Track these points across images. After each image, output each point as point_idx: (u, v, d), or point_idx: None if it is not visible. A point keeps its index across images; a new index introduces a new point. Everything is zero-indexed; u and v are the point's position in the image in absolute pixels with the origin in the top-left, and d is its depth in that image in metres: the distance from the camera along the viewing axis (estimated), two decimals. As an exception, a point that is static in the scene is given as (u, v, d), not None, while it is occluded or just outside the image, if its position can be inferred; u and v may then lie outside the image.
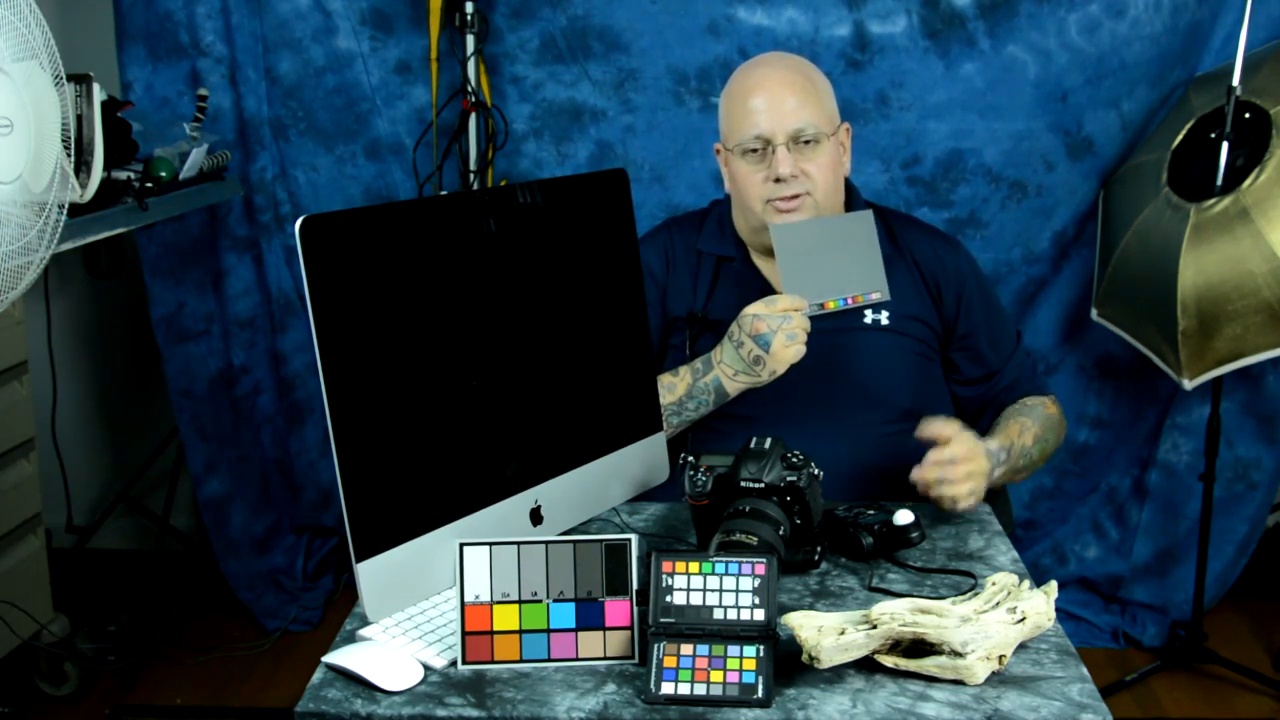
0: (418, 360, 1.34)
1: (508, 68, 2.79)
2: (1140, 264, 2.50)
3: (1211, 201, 2.35)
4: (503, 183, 2.79)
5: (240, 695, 2.67)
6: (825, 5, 2.68)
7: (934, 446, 1.60)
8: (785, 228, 1.76)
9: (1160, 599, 2.84)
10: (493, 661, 1.26)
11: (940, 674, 1.22)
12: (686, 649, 1.23)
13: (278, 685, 2.70)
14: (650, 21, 2.72)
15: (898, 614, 1.22)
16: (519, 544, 1.28)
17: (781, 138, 1.78)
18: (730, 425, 1.82)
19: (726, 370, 1.75)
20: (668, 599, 1.25)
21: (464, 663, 1.26)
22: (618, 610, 1.27)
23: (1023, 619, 1.26)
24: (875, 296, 1.80)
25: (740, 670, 1.21)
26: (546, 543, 1.28)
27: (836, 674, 1.23)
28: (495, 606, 1.27)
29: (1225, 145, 2.35)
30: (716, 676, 1.20)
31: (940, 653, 1.22)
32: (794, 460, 1.44)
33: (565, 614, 1.27)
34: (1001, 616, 1.24)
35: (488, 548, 1.28)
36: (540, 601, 1.27)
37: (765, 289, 1.88)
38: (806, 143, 1.79)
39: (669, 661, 1.22)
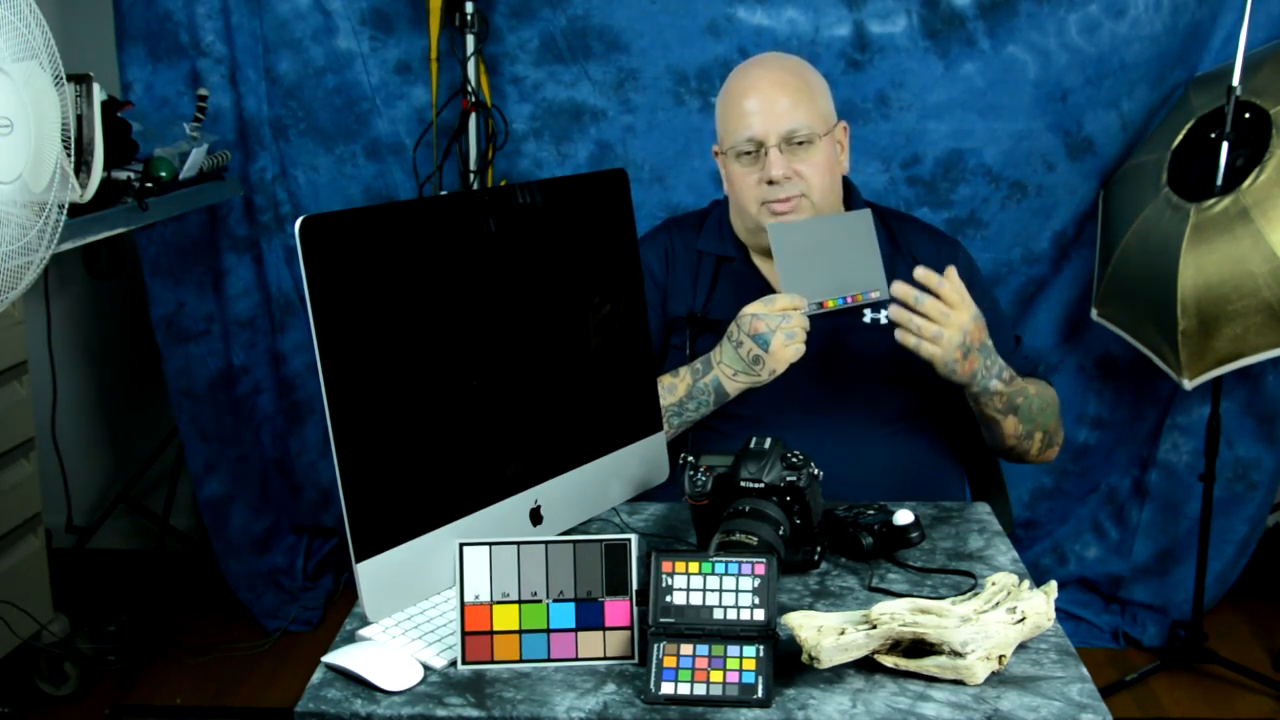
0: (418, 360, 1.34)
1: (508, 68, 2.79)
2: (1140, 264, 2.50)
3: (1211, 201, 2.35)
4: (503, 183, 2.79)
5: (240, 695, 2.67)
6: (825, 5, 2.68)
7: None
8: (783, 227, 1.76)
9: (1160, 599, 2.84)
10: (492, 661, 1.26)
11: (940, 674, 1.22)
12: (686, 649, 1.23)
13: (278, 685, 2.71)
14: (650, 21, 2.72)
15: (898, 614, 1.22)
16: (519, 544, 1.28)
17: (774, 139, 1.78)
18: (731, 425, 1.82)
19: (726, 370, 1.75)
20: (668, 599, 1.25)
21: (464, 663, 1.26)
22: (617, 610, 1.27)
23: (1023, 619, 1.26)
24: (875, 295, 1.80)
25: (740, 670, 1.21)
26: (546, 543, 1.28)
27: (836, 674, 1.23)
28: (495, 606, 1.27)
29: (1225, 145, 2.35)
30: (716, 676, 1.20)
31: (940, 653, 1.22)
32: (794, 460, 1.44)
33: (565, 614, 1.27)
34: (1001, 616, 1.24)
35: (488, 548, 1.28)
36: (540, 601, 1.27)
37: (765, 289, 1.88)
38: (800, 144, 1.79)
39: (669, 661, 1.22)
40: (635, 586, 1.27)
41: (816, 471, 1.45)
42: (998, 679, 1.23)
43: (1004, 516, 1.79)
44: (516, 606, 1.27)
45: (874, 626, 1.21)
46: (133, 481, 3.09)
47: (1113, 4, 2.61)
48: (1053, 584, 1.32)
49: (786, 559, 1.42)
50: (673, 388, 1.79)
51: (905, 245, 1.91)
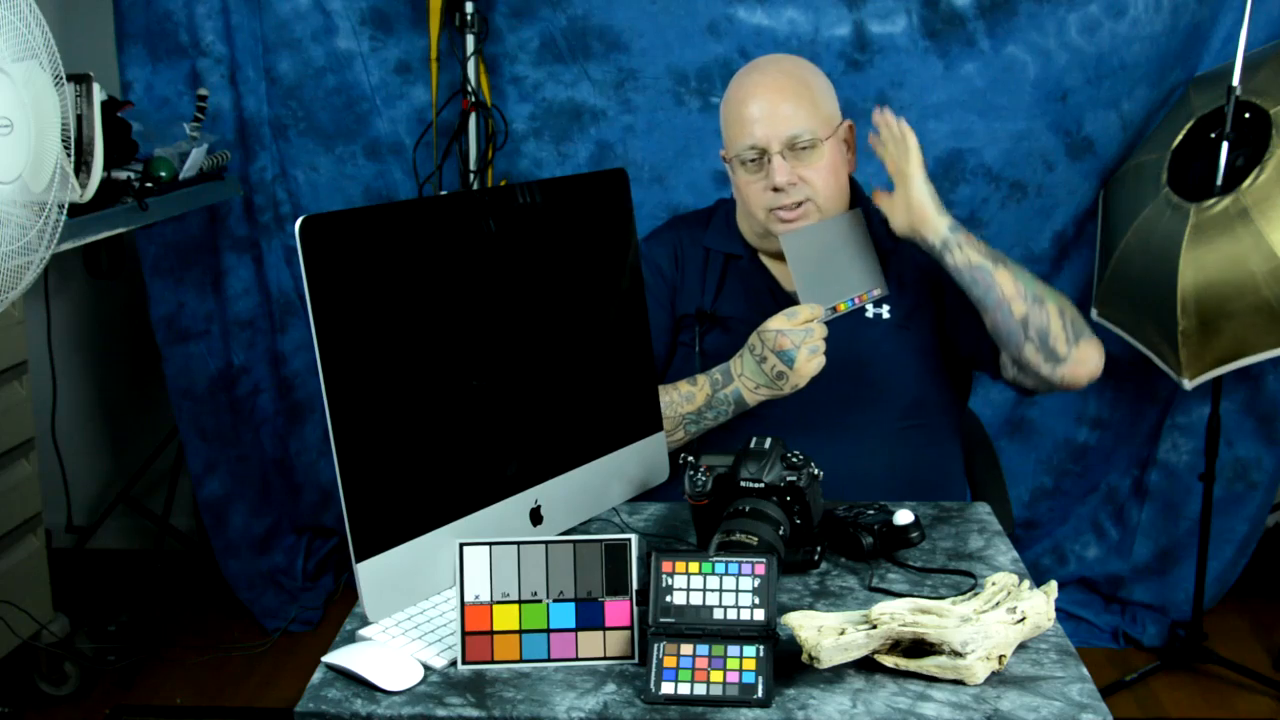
0: (418, 360, 1.34)
1: (508, 68, 2.79)
2: (1140, 264, 2.50)
3: (1211, 201, 2.35)
4: (503, 183, 2.79)
5: (240, 695, 2.67)
6: (825, 5, 2.68)
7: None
8: (795, 236, 1.76)
9: (1160, 599, 2.84)
10: (493, 661, 1.26)
11: (940, 674, 1.22)
12: (686, 649, 1.23)
13: (278, 685, 2.71)
14: (650, 21, 2.72)
15: (898, 614, 1.22)
16: (519, 544, 1.28)
17: (777, 146, 1.77)
18: (738, 426, 1.81)
19: (748, 383, 1.74)
20: (668, 599, 1.25)
21: (464, 663, 1.26)
22: (618, 610, 1.27)
23: (1023, 619, 1.26)
24: (877, 293, 1.81)
25: (740, 670, 1.20)
26: (546, 543, 1.28)
27: (836, 674, 1.23)
28: (495, 606, 1.27)
29: (1225, 145, 2.35)
30: (716, 676, 1.20)
31: (940, 653, 1.22)
32: (794, 460, 1.44)
33: (565, 614, 1.27)
34: (1001, 616, 1.24)
35: (488, 548, 1.28)
36: (540, 601, 1.27)
37: (773, 287, 1.88)
38: (804, 148, 1.78)
39: (669, 661, 1.22)
40: (635, 586, 1.27)
41: (816, 471, 1.45)
42: (998, 679, 1.23)
43: (1004, 516, 1.78)
44: (517, 606, 1.27)
45: (874, 626, 1.21)
46: (133, 481, 3.09)
47: (1113, 4, 2.61)
48: (1053, 584, 1.32)
49: (786, 559, 1.42)
50: (690, 396, 1.79)
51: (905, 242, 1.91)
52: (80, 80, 2.01)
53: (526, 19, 2.75)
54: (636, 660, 1.26)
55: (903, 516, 1.48)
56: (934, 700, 1.19)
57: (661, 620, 1.24)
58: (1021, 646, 1.28)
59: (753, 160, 1.80)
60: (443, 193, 2.73)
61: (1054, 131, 2.70)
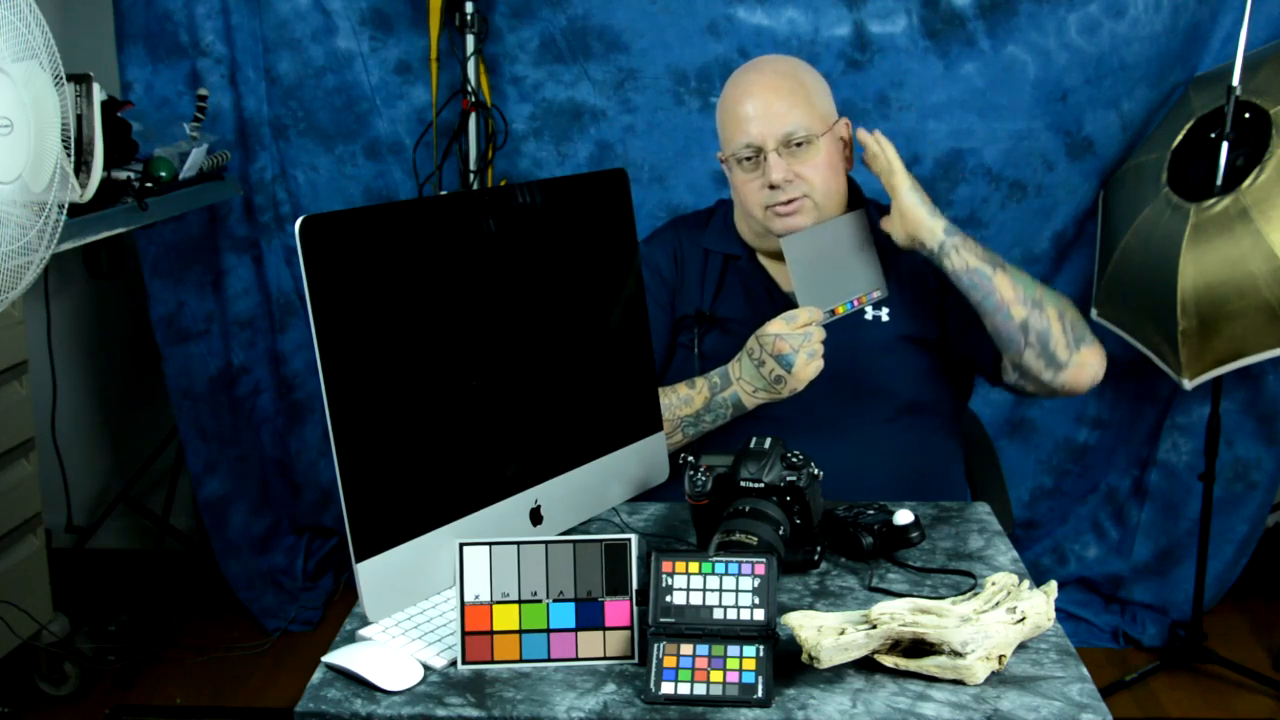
0: (417, 360, 1.34)
1: (508, 68, 2.79)
2: (1140, 264, 2.50)
3: (1211, 201, 2.35)
4: (503, 183, 2.79)
5: (240, 695, 2.67)
6: (825, 5, 2.68)
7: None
8: (795, 239, 1.76)
9: (1160, 599, 2.84)
10: (492, 661, 1.26)
11: (940, 674, 1.22)
12: (686, 649, 1.23)
13: (278, 685, 2.71)
14: (650, 21, 2.72)
15: (898, 614, 1.22)
16: (519, 544, 1.28)
17: (772, 143, 1.78)
18: (738, 425, 1.82)
19: (746, 387, 1.75)
20: (668, 599, 1.25)
21: (464, 663, 1.26)
22: (617, 610, 1.27)
23: (1023, 619, 1.26)
24: (877, 294, 1.81)
25: (740, 670, 1.21)
26: (546, 543, 1.28)
27: (836, 674, 1.23)
28: (495, 606, 1.27)
29: (1225, 145, 2.35)
30: (716, 676, 1.20)
31: (940, 653, 1.22)
32: (794, 460, 1.44)
33: (565, 614, 1.27)
34: (1001, 616, 1.24)
35: (488, 548, 1.28)
36: (540, 601, 1.27)
37: (771, 288, 1.88)
38: (799, 145, 1.79)
39: (669, 661, 1.22)
40: (635, 586, 1.27)
41: (816, 471, 1.45)
42: (998, 679, 1.23)
43: (1004, 516, 1.78)
44: (516, 606, 1.27)
45: (874, 626, 1.21)
46: (133, 481, 3.09)
47: (1113, 4, 2.61)
48: (1053, 584, 1.32)
49: (786, 559, 1.42)
50: (689, 399, 1.79)
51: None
52: (80, 80, 2.01)
53: (526, 19, 2.75)
54: (636, 660, 1.26)
55: (903, 516, 1.48)
56: (934, 700, 1.19)
57: (661, 620, 1.24)
58: (1021, 646, 1.28)
59: (749, 159, 1.80)
60: (443, 193, 2.73)
61: (1054, 131, 2.70)
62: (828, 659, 1.19)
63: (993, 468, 2.04)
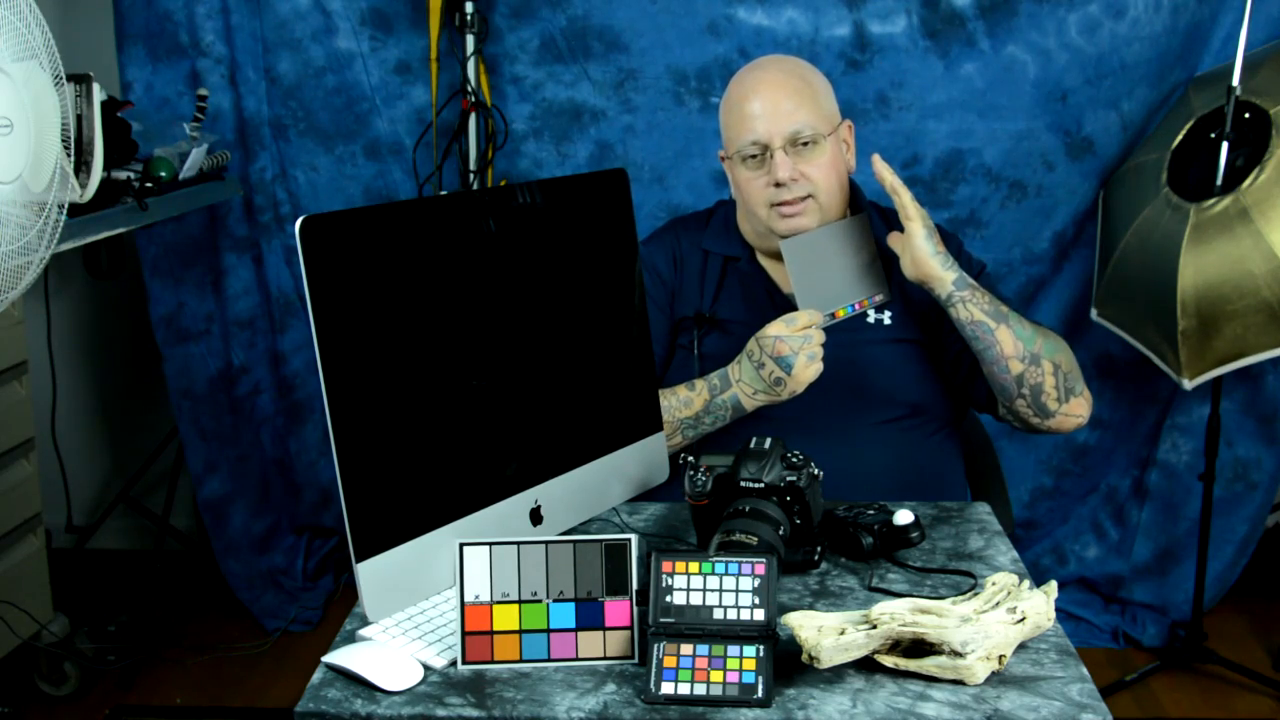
0: (418, 360, 1.34)
1: (508, 68, 2.79)
2: (1140, 264, 2.50)
3: (1211, 201, 2.35)
4: (503, 183, 2.79)
5: (240, 695, 2.67)
6: (825, 5, 2.68)
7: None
8: (795, 241, 1.75)
9: (1160, 599, 2.84)
10: (493, 661, 1.26)
11: (940, 674, 1.22)
12: (686, 649, 1.23)
13: (278, 685, 2.71)
14: (650, 21, 2.72)
15: (898, 614, 1.22)
16: (519, 544, 1.28)
17: (779, 142, 1.78)
18: (738, 426, 1.81)
19: (745, 389, 1.75)
20: (668, 599, 1.25)
21: (464, 663, 1.26)
22: (618, 610, 1.27)
23: (1023, 619, 1.26)
24: (879, 298, 1.81)
25: (740, 670, 1.21)
26: (546, 543, 1.28)
27: (836, 674, 1.23)
28: (495, 606, 1.27)
29: (1225, 145, 2.35)
30: (716, 676, 1.20)
31: (940, 653, 1.22)
32: (794, 460, 1.44)
33: (565, 614, 1.27)
34: (1001, 616, 1.24)
35: (488, 548, 1.28)
36: (540, 601, 1.27)
37: (771, 290, 1.88)
38: (805, 144, 1.79)
39: (669, 661, 1.22)
40: (635, 586, 1.27)
41: (816, 471, 1.45)
42: (998, 679, 1.23)
43: (1004, 516, 1.78)
44: (516, 606, 1.27)
45: (874, 626, 1.21)
46: (133, 481, 3.09)
47: (1113, 4, 2.61)
48: (1053, 584, 1.32)
49: (786, 559, 1.42)
50: (688, 401, 1.79)
51: None
52: (80, 80, 2.00)
53: (526, 19, 2.75)
54: (636, 660, 1.26)
55: (903, 516, 1.48)
56: (934, 700, 1.19)
57: (661, 620, 1.24)
58: (1021, 646, 1.28)
59: (754, 156, 1.80)
60: (443, 193, 2.73)
61: (1054, 131, 2.70)
62: (828, 659, 1.19)
63: (993, 468, 2.04)
